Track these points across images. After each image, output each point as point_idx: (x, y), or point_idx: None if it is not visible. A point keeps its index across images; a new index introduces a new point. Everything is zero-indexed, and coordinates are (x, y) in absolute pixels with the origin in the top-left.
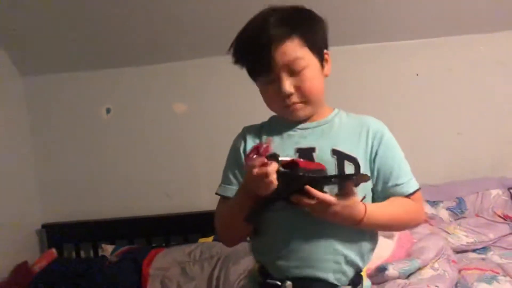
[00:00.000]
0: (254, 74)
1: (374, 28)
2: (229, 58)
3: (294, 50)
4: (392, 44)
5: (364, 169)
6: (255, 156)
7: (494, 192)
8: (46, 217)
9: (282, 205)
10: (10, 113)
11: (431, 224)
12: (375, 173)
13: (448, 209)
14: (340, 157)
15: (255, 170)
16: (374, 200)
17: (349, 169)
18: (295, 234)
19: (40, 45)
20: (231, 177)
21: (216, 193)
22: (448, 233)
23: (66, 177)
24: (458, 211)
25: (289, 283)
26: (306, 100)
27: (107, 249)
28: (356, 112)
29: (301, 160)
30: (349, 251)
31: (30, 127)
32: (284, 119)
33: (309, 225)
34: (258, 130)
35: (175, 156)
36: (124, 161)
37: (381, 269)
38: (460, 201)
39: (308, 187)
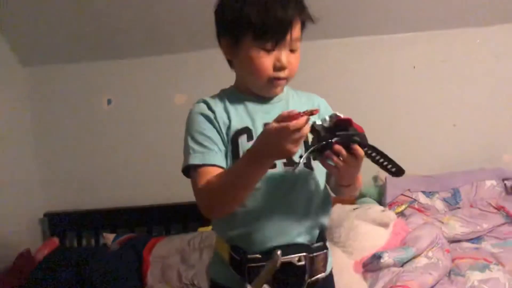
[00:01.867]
0: (261, 36)
1: (371, 21)
2: None
3: (299, 31)
4: (389, 37)
5: None
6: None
7: (489, 183)
8: (48, 206)
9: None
10: (12, 104)
11: (426, 214)
12: None
13: (443, 199)
14: None
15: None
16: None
17: (311, 139)
18: (273, 204)
19: (42, 36)
20: (207, 144)
21: (193, 164)
22: (443, 223)
23: (67, 167)
24: (453, 202)
25: (279, 252)
26: (288, 78)
27: (108, 237)
28: (354, 105)
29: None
30: (320, 215)
31: (31, 118)
32: (242, 93)
33: (286, 194)
34: (220, 101)
35: (174, 147)
36: (125, 151)
37: (376, 257)
38: (455, 192)
39: (357, 146)
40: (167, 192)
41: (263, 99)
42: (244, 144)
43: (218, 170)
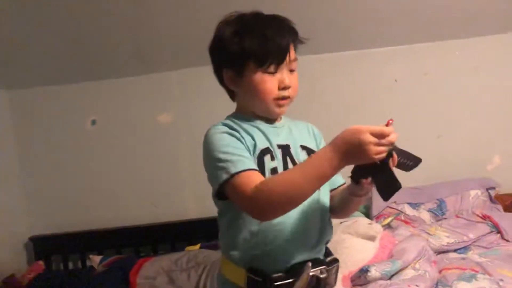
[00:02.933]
0: (264, 62)
1: (351, 36)
2: (211, 68)
3: (294, 52)
4: (370, 51)
5: None
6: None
7: (473, 193)
8: (33, 229)
9: None
10: None
11: (413, 226)
12: None
13: (429, 210)
14: (308, 151)
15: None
16: None
17: None
18: (293, 221)
19: (25, 58)
20: (242, 153)
21: (236, 172)
22: (430, 234)
23: (52, 189)
24: (439, 212)
25: (310, 263)
26: (291, 98)
27: (95, 259)
28: (338, 119)
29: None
30: (329, 231)
31: (15, 140)
32: (250, 117)
33: (304, 211)
34: (235, 124)
35: (160, 166)
36: (111, 172)
37: (364, 271)
38: (441, 203)
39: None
40: (154, 212)
41: (272, 122)
42: (269, 163)
43: (259, 175)
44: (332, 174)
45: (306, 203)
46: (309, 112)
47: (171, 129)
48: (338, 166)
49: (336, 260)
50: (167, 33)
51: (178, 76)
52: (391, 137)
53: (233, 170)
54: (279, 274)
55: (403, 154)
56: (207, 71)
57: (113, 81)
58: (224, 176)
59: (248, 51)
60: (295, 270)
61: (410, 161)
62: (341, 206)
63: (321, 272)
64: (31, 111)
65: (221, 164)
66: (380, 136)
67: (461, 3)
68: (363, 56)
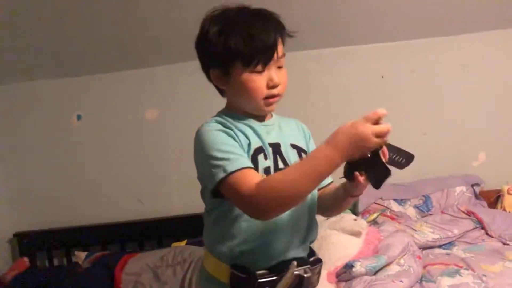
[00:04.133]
0: (250, 62)
1: (338, 33)
2: (199, 64)
3: (282, 48)
4: (357, 48)
5: None
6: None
7: (459, 189)
8: (17, 226)
9: None
10: None
11: (398, 222)
12: None
13: (415, 206)
14: (298, 150)
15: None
16: None
17: None
18: (281, 219)
19: (9, 53)
20: (238, 151)
21: (232, 171)
22: (415, 230)
23: (37, 185)
24: (425, 209)
25: (295, 262)
26: (281, 95)
27: (80, 256)
28: (325, 115)
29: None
30: (315, 230)
31: None
32: (241, 115)
33: (292, 209)
34: (228, 122)
35: (146, 162)
36: (96, 168)
37: (349, 267)
38: (427, 199)
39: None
40: (140, 208)
41: (262, 120)
42: (262, 162)
43: (256, 174)
44: (330, 172)
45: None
46: (295, 109)
47: (157, 125)
48: (336, 163)
49: (319, 260)
50: (152, 28)
51: (164, 72)
52: (388, 126)
53: (230, 168)
54: (263, 271)
55: (394, 150)
56: (194, 67)
57: (99, 77)
58: (221, 175)
59: (233, 51)
60: (280, 268)
61: (402, 158)
62: (334, 205)
63: (305, 272)
64: (15, 106)
65: (217, 162)
66: (377, 123)
67: (447, 0)
68: (349, 53)
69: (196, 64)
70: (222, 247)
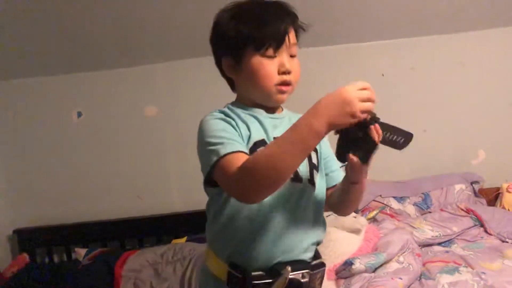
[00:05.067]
0: (261, 46)
1: (338, 30)
2: (198, 61)
3: (295, 37)
4: (357, 45)
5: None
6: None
7: (458, 187)
8: (17, 222)
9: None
10: None
11: (398, 220)
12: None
13: (414, 204)
14: None
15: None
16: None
17: (313, 155)
18: (280, 220)
19: (10, 50)
20: (234, 137)
21: (225, 153)
22: (414, 227)
23: (37, 182)
24: (424, 206)
25: (289, 268)
26: (293, 84)
27: (80, 252)
28: None
29: None
30: (320, 232)
31: None
32: (250, 106)
33: (292, 210)
34: (233, 113)
35: (146, 159)
36: (96, 164)
37: (348, 264)
38: (426, 197)
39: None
40: (140, 204)
41: (271, 112)
42: None
43: (247, 157)
44: (315, 142)
45: (296, 201)
46: (295, 106)
47: (157, 121)
48: (318, 131)
49: (322, 265)
50: (152, 26)
51: (164, 69)
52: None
53: (222, 152)
54: (259, 272)
55: (389, 128)
56: (193, 64)
57: (99, 74)
58: (214, 159)
59: (245, 34)
60: (276, 271)
61: (399, 137)
62: (341, 198)
63: (303, 276)
64: (16, 103)
65: (211, 148)
66: (363, 89)
67: None
68: (349, 51)
69: (196, 61)
70: (220, 243)
